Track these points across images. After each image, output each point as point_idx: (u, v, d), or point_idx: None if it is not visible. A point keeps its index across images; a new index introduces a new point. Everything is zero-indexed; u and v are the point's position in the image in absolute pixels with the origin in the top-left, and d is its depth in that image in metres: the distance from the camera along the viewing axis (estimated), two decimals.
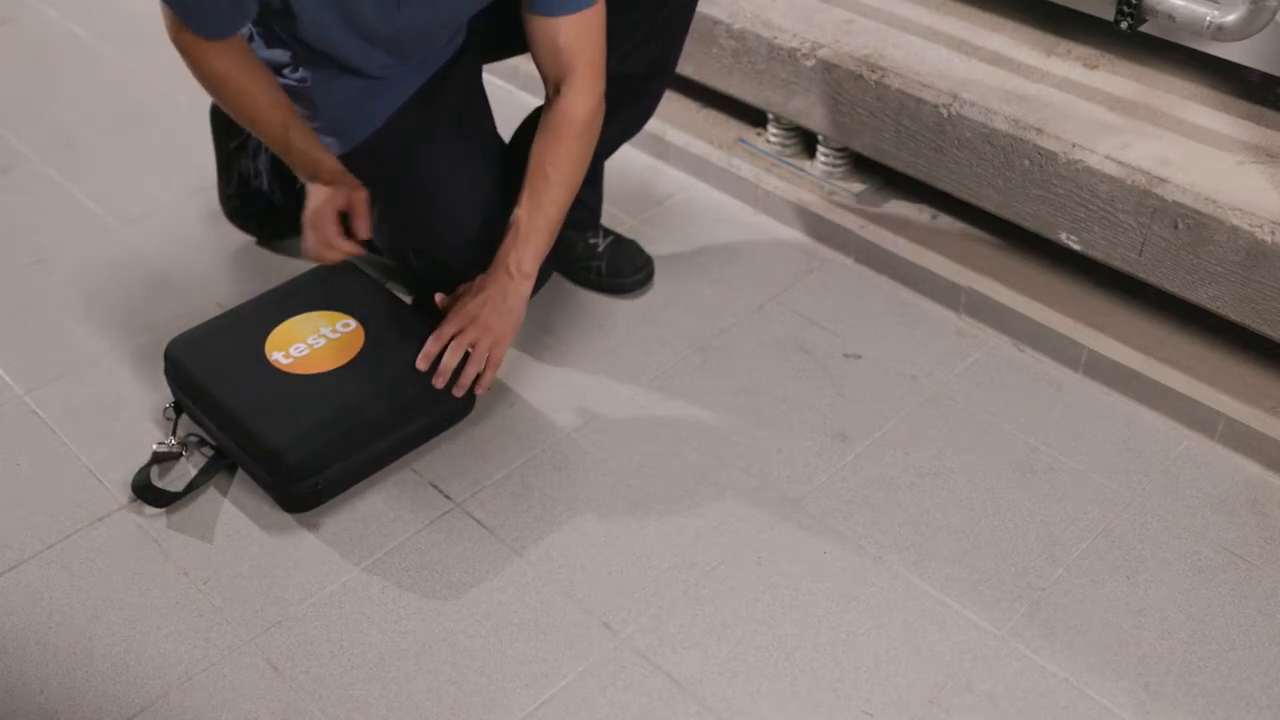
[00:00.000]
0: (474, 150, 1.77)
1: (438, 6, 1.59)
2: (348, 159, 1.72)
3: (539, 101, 2.37)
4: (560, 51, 1.64)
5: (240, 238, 2.10)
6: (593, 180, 1.98)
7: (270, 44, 1.70)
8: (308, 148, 1.67)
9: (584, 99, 1.67)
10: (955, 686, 1.44)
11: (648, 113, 1.92)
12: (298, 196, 1.92)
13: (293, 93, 1.69)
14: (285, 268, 2.04)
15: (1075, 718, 1.41)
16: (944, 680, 1.45)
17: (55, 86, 2.55)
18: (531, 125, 1.95)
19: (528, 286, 1.70)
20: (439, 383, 1.67)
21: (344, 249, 1.68)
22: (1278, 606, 1.53)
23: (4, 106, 2.47)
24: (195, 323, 1.92)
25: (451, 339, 1.68)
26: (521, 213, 1.69)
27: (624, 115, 1.86)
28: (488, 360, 1.69)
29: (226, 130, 2.03)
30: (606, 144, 1.90)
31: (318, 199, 1.67)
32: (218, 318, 1.80)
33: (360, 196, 1.67)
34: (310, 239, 1.68)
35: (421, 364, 1.67)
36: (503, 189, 1.78)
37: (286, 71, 1.69)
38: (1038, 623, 1.51)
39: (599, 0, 1.63)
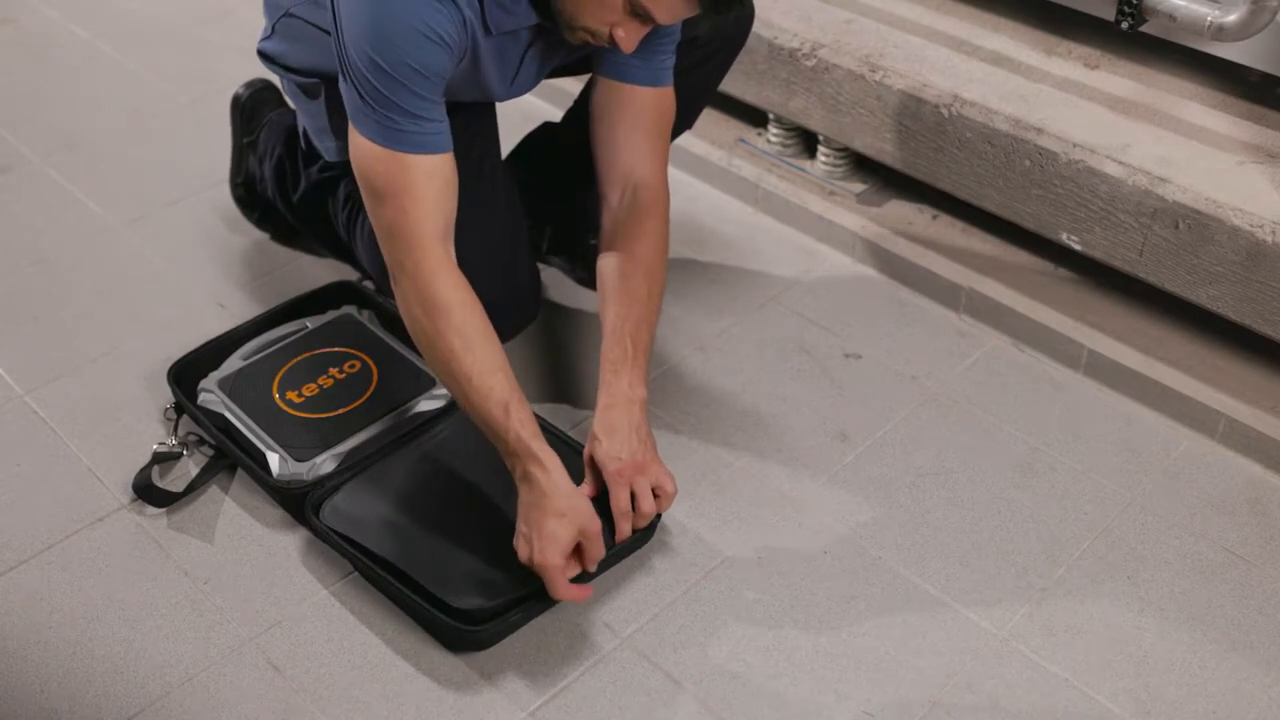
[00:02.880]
0: (488, 194, 1.70)
1: (538, 77, 1.60)
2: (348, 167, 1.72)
3: (540, 101, 2.37)
4: (659, 125, 1.62)
5: (240, 238, 2.10)
6: (592, 188, 1.97)
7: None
8: (526, 437, 1.43)
9: (653, 220, 1.64)
10: (955, 686, 1.44)
11: None
12: (297, 210, 1.93)
13: (303, 89, 1.69)
14: (285, 269, 2.04)
15: (1075, 718, 1.41)
16: (944, 680, 1.45)
17: (55, 86, 2.55)
18: (538, 144, 1.95)
19: (644, 409, 1.57)
20: (622, 535, 1.51)
21: (577, 596, 1.46)
22: (1278, 606, 1.53)
23: (4, 106, 2.47)
24: (194, 323, 1.92)
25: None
26: (628, 331, 1.56)
27: None
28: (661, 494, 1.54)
29: (245, 124, 2.04)
30: None
31: (547, 535, 1.41)
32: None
33: (594, 528, 1.45)
34: (554, 586, 1.44)
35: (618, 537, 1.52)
36: (518, 231, 1.75)
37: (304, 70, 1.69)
38: (1038, 623, 1.51)
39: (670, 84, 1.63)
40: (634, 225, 1.63)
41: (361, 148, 1.43)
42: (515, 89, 1.60)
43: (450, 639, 1.46)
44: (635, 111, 1.62)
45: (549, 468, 1.43)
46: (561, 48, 1.55)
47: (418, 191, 1.42)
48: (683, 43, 1.65)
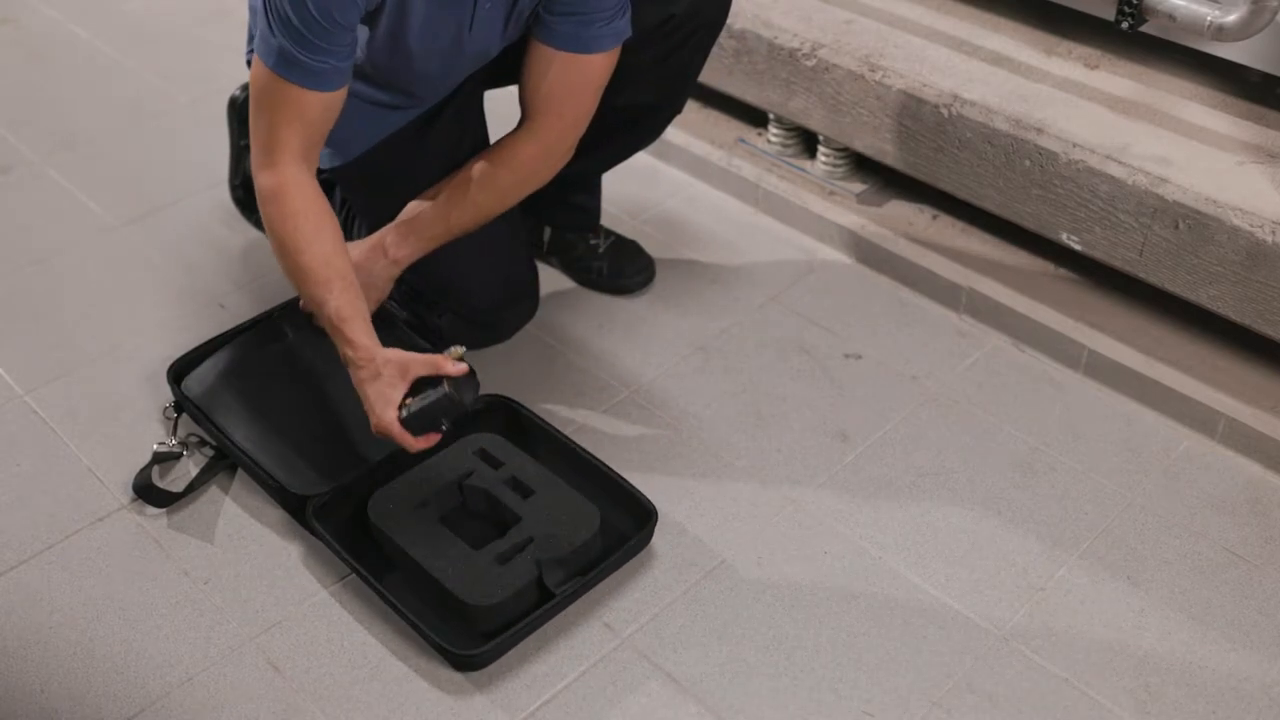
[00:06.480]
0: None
1: (495, 25, 1.58)
2: (344, 172, 1.72)
3: None
4: (542, 85, 1.61)
5: (240, 238, 2.10)
6: (590, 187, 1.98)
7: None
8: (342, 319, 1.50)
9: (533, 145, 1.65)
10: (955, 686, 1.44)
11: (651, 138, 1.90)
12: None
13: None
14: None
15: (1075, 718, 1.41)
16: (944, 680, 1.45)
17: (55, 86, 2.55)
18: None
19: (395, 271, 1.67)
20: None
21: (424, 444, 1.51)
22: (1278, 606, 1.53)
23: (4, 106, 2.47)
24: (194, 323, 1.92)
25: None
26: (427, 205, 1.66)
27: (627, 138, 1.86)
28: None
29: (242, 126, 2.04)
30: (604, 162, 1.91)
31: (375, 399, 1.49)
32: None
33: (412, 362, 1.49)
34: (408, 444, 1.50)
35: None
36: (515, 229, 1.76)
37: None
38: (1038, 623, 1.51)
39: (606, 54, 1.59)
40: (514, 153, 1.66)
41: (259, 68, 1.49)
42: (474, 39, 1.57)
43: (448, 659, 1.46)
44: (554, 71, 1.61)
45: (357, 343, 1.50)
46: None
47: (300, 119, 1.49)
48: (659, 23, 1.65)
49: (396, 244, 1.65)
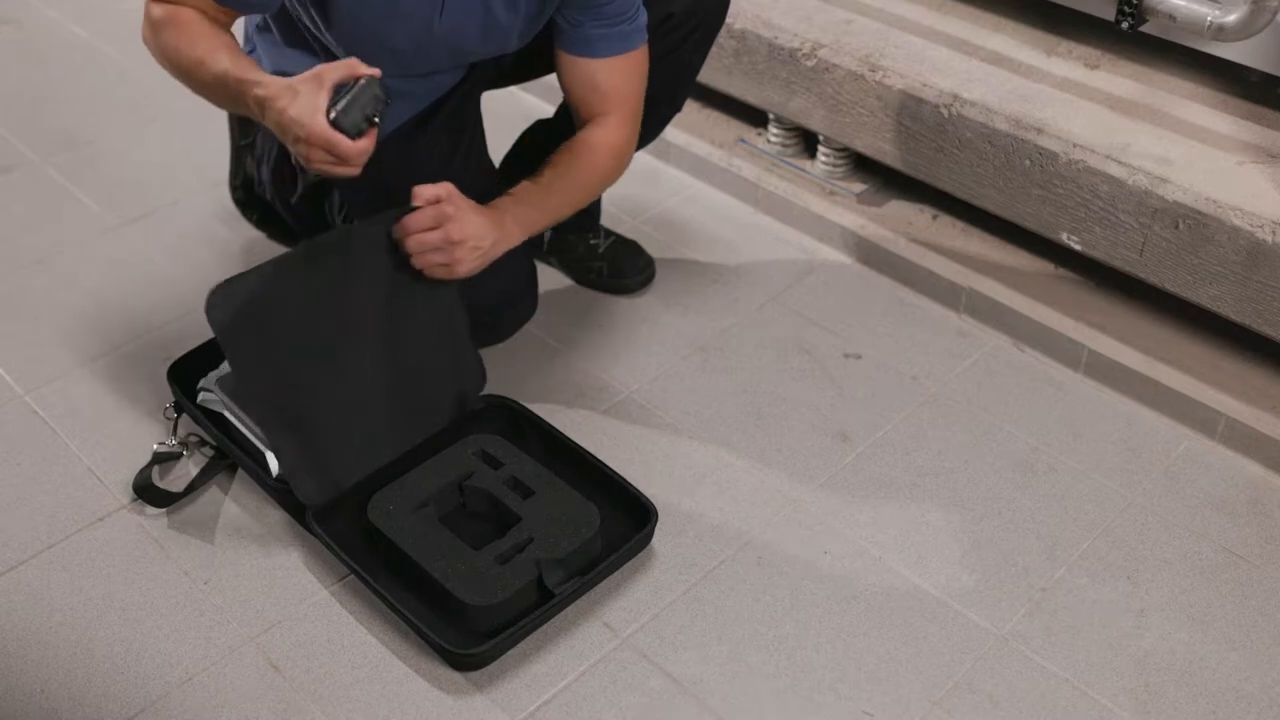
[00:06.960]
0: (478, 193, 1.66)
1: (472, 18, 1.57)
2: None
3: (539, 101, 2.38)
4: (597, 90, 1.64)
5: (241, 238, 2.10)
6: None
7: (290, 44, 1.68)
8: (241, 70, 1.46)
9: (614, 133, 1.66)
10: (955, 686, 1.44)
11: (651, 136, 1.90)
12: (295, 211, 1.93)
13: None
14: None
15: (1075, 718, 1.41)
16: (944, 680, 1.45)
17: (55, 86, 2.55)
18: (529, 143, 1.95)
19: (506, 248, 1.61)
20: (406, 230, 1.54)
21: (364, 146, 1.43)
22: (1278, 606, 1.53)
23: (4, 106, 2.47)
24: (194, 323, 1.92)
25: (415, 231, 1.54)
26: (534, 190, 1.63)
27: None
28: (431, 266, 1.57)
29: (242, 126, 2.04)
30: None
31: (300, 113, 1.40)
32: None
33: (324, 70, 1.41)
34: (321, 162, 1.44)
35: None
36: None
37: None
38: (1038, 623, 1.51)
39: (642, 46, 1.62)
40: (596, 144, 1.66)
41: None
42: (448, 15, 1.55)
43: (448, 659, 1.46)
44: (601, 77, 1.63)
45: (265, 81, 1.43)
46: None
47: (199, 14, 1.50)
48: (658, 22, 1.66)
49: (518, 220, 1.61)
